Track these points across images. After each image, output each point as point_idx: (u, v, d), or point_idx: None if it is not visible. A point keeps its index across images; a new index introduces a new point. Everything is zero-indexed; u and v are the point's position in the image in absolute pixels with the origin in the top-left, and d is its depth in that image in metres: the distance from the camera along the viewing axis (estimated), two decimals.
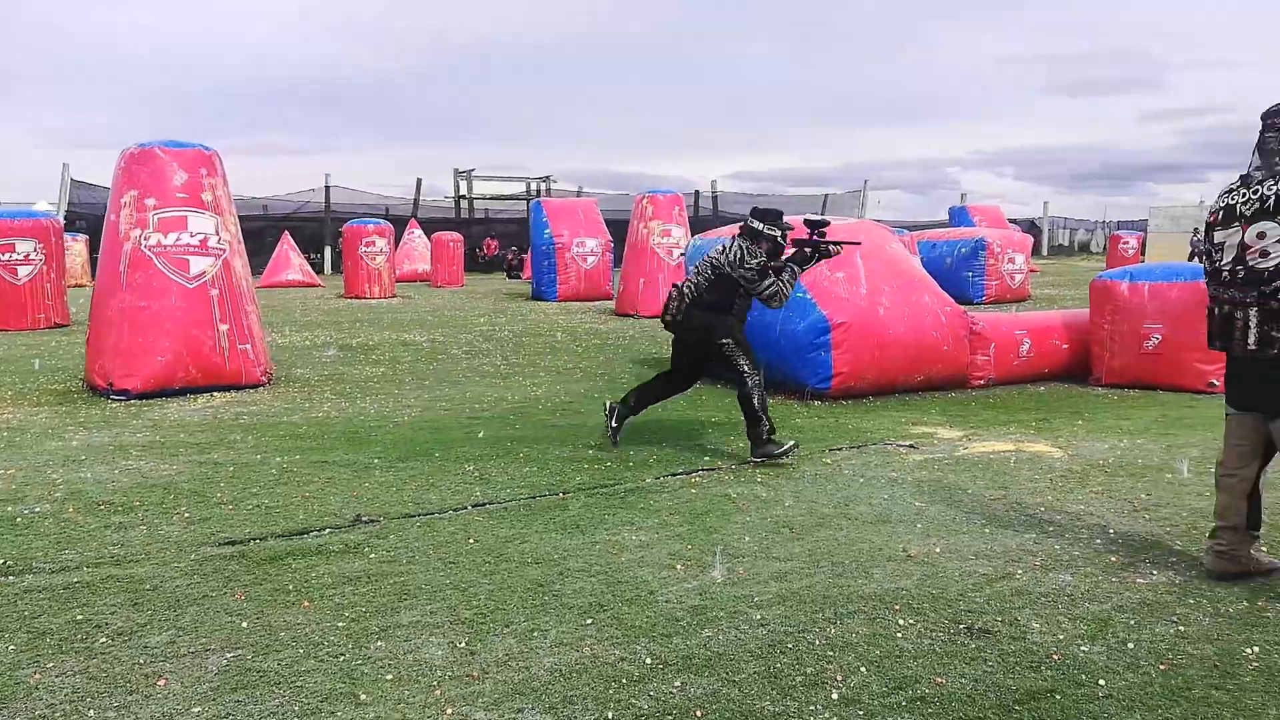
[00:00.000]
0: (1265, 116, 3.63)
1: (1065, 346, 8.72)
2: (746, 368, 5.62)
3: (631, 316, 15.50)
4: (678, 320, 5.80)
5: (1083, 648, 3.12)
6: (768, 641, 3.18)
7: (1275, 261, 3.45)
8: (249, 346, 8.29)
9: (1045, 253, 51.86)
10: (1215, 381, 7.76)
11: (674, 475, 5.37)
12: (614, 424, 5.96)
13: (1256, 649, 3.10)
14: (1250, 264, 3.53)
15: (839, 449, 6.01)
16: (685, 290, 5.79)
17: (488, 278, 30.21)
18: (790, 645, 3.15)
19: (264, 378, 8.44)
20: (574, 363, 10.10)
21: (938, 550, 4.09)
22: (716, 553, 4.01)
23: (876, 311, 7.81)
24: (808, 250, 5.79)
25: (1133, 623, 3.32)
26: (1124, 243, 36.20)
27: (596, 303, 18.65)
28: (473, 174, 39.77)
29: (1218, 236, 3.67)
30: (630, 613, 3.43)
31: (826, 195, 45.57)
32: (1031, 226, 57.34)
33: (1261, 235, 3.49)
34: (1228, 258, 3.62)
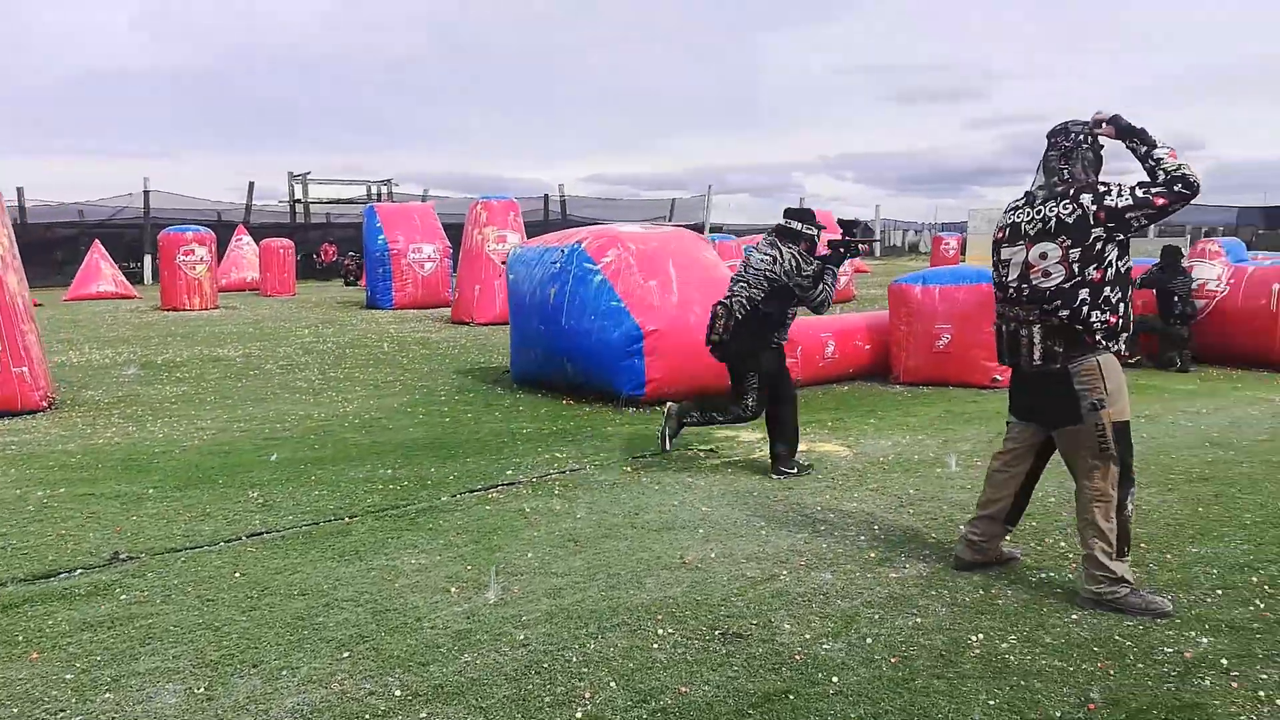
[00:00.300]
0: (1049, 135, 3.70)
1: (867, 347, 9.19)
2: (751, 404, 5.59)
3: (467, 324, 15.27)
4: (724, 340, 5.61)
5: (825, 646, 3.28)
6: (525, 662, 3.18)
7: (1056, 281, 3.57)
8: (25, 369, 7.65)
9: (878, 254, 54.67)
10: (999, 377, 8.36)
11: (472, 492, 5.30)
12: (670, 437, 5.85)
13: (981, 636, 3.34)
14: (1034, 283, 3.64)
15: (642, 456, 6.10)
16: (734, 307, 5.54)
17: (324, 285, 29.07)
18: (547, 665, 3.16)
19: (44, 403, 7.81)
20: (395, 375, 9.84)
21: (713, 555, 4.21)
22: (493, 572, 3.98)
23: (688, 319, 7.96)
24: (842, 249, 5.65)
25: (877, 617, 3.52)
26: (945, 244, 38.55)
27: (435, 311, 18.27)
28: (308, 177, 38.23)
29: (1004, 253, 3.78)
30: (391, 643, 3.36)
31: (674, 199, 46.43)
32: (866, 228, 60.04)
33: (1044, 255, 3.61)
34: (1013, 275, 3.73)
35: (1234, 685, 2.96)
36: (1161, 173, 3.41)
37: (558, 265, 8.41)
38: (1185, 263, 9.77)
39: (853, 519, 4.72)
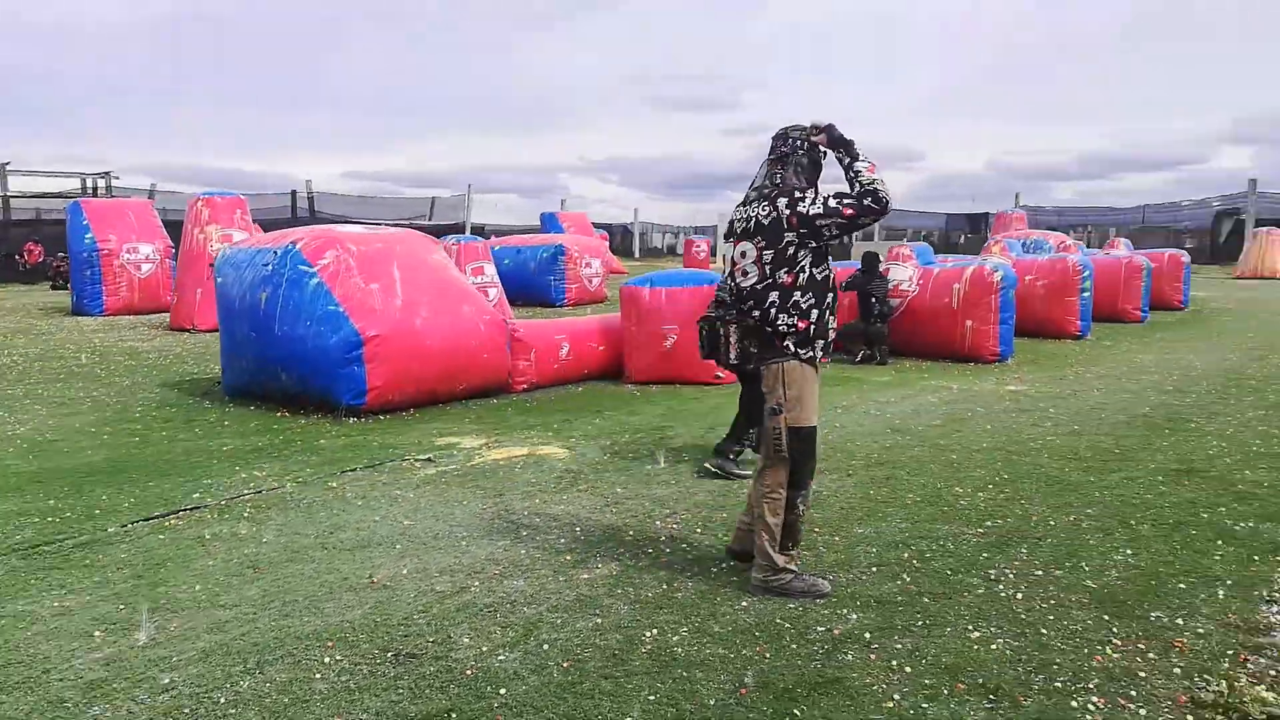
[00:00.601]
0: (772, 139, 3.77)
1: (602, 349, 9.33)
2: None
3: (187, 331, 14.00)
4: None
5: (501, 657, 3.22)
6: (164, 710, 2.88)
7: (752, 281, 3.67)
8: None
9: (638, 256, 56.31)
10: (721, 374, 8.76)
11: (147, 520, 4.80)
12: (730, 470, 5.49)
13: (655, 631, 3.41)
14: (736, 280, 3.74)
15: (353, 470, 5.81)
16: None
17: (28, 290, 25.74)
18: (189, 710, 2.88)
19: None
20: (88, 391, 8.81)
21: (405, 572, 4.04)
22: (146, 611, 3.60)
23: (413, 323, 7.72)
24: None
25: (559, 621, 3.51)
26: (697, 246, 40.31)
27: (154, 316, 16.63)
28: (7, 168, 33.73)
29: (723, 249, 3.93)
30: (8, 702, 2.93)
31: (434, 198, 45.36)
32: (625, 231, 61.92)
33: (744, 255, 3.71)
34: (727, 270, 3.85)
35: (873, 657, 3.20)
36: (857, 185, 3.54)
37: (270, 267, 7.87)
38: (882, 266, 10.74)
39: (557, 522, 4.72)
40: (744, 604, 3.65)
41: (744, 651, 3.24)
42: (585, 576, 3.97)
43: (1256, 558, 4.08)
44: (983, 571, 3.96)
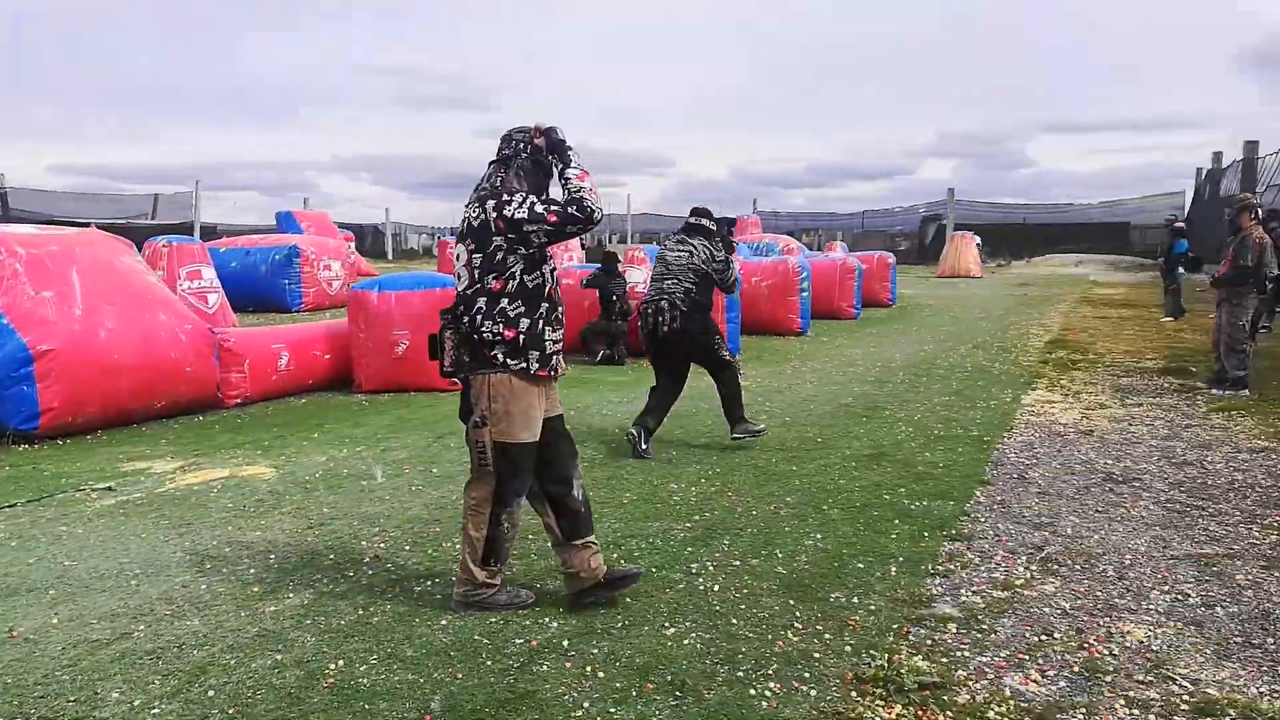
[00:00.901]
0: (500, 139, 3.61)
1: (327, 357, 8.81)
2: (728, 355, 6.32)
3: None
4: (674, 329, 5.98)
5: (155, 710, 2.86)
6: None
7: (464, 285, 3.48)
8: None
9: (391, 257, 54.40)
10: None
11: None
12: (644, 447, 6.00)
13: (342, 662, 3.18)
14: (457, 285, 3.55)
15: (10, 506, 5.05)
16: (674, 301, 5.98)
17: None
18: None
19: None
20: None
21: (55, 622, 3.53)
22: None
23: (97, 334, 6.88)
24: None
25: (233, 663, 3.18)
26: (452, 248, 39.68)
27: None
28: None
29: (456, 250, 3.61)
30: None
31: (157, 195, 41.39)
32: (376, 231, 59.60)
33: (459, 257, 3.53)
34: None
35: (568, 665, 3.15)
36: (566, 193, 3.45)
37: None
38: (620, 267, 10.97)
39: (250, 551, 4.32)
40: (443, 623, 3.49)
41: (435, 675, 3.09)
42: (271, 609, 3.65)
43: (926, 534, 4.47)
44: (685, 566, 4.06)
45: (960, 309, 17.87)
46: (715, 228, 6.33)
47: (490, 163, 3.60)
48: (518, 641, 3.33)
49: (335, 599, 3.74)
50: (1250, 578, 3.91)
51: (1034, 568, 4.04)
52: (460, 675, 3.08)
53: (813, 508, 4.89)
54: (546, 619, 3.52)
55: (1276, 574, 3.94)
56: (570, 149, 3.53)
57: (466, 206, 3.56)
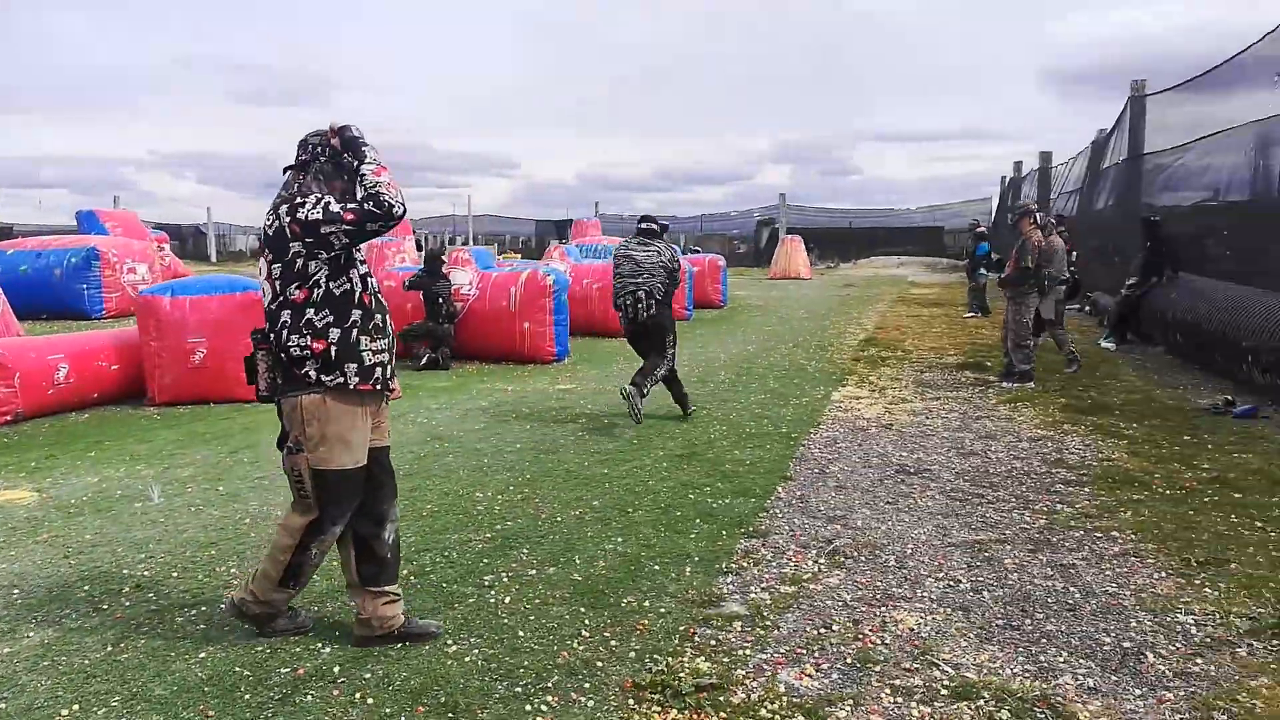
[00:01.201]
0: (298, 144, 3.34)
1: (115, 367, 8.11)
2: (672, 353, 7.25)
3: None
4: (651, 316, 7.08)
5: None
6: None
7: (269, 300, 3.20)
8: None
9: (215, 259, 51.25)
10: None
11: None
12: (638, 405, 6.90)
13: (77, 707, 2.87)
14: (265, 302, 3.25)
15: None
16: (652, 291, 7.05)
17: None
18: None
19: None
20: None
21: None
22: None
23: None
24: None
25: None
26: None
27: None
28: None
29: (259, 265, 3.29)
30: None
31: None
32: (199, 233, 56.10)
33: (260, 271, 3.24)
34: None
35: (336, 693, 2.97)
36: (362, 189, 3.20)
37: None
38: (444, 268, 10.68)
39: None
40: (201, 656, 3.22)
41: (184, 714, 2.83)
42: (5, 650, 3.27)
43: (725, 533, 4.52)
44: (479, 579, 3.93)
45: (787, 310, 18.50)
46: (666, 227, 7.65)
47: (286, 168, 3.34)
48: (283, 671, 3.11)
49: (83, 635, 3.39)
50: (1017, 561, 4.16)
51: (822, 561, 4.15)
52: (212, 713, 2.84)
53: (618, 511, 4.86)
54: (318, 644, 3.32)
55: (1040, 556, 4.21)
56: (366, 145, 3.29)
57: (267, 216, 3.27)
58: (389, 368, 3.34)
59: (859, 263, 39.52)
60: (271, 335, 3.21)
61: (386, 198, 3.18)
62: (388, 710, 2.86)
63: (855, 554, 4.24)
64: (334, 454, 3.20)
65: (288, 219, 3.18)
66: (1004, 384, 8.77)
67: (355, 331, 3.23)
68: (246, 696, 2.94)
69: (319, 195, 3.22)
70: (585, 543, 4.37)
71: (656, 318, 7.12)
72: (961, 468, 5.80)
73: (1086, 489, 5.28)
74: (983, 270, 17.17)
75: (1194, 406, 7.60)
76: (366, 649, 3.26)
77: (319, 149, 3.32)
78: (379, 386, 3.28)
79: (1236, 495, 5.07)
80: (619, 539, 4.42)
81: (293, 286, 3.17)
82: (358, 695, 2.95)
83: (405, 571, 3.98)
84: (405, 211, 3.31)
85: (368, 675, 3.08)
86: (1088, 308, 14.91)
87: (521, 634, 3.39)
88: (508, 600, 3.70)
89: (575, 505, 4.96)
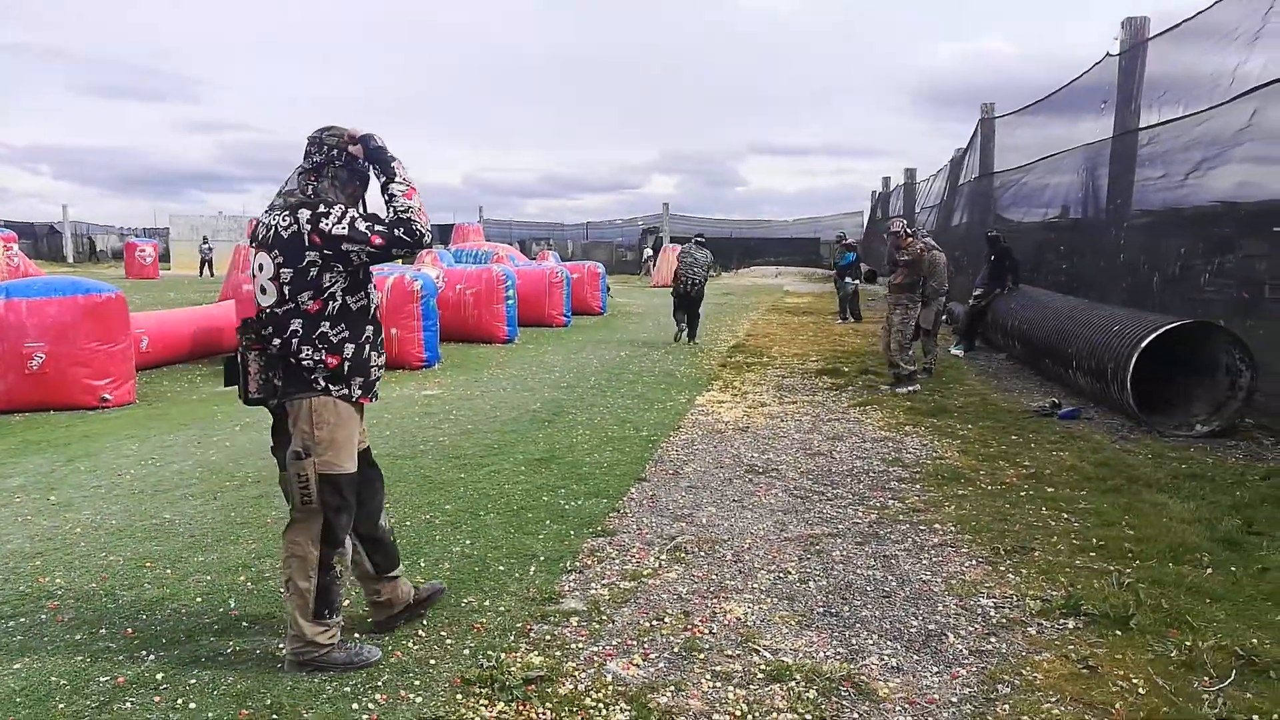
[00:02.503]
0: (308, 140, 3.20)
1: None
2: (700, 309, 13.72)
3: None
4: (698, 290, 13.29)
5: None
6: None
7: (271, 301, 3.07)
8: None
9: (71, 260, 48.34)
10: (108, 396, 7.69)
11: None
12: (688, 336, 13.41)
13: None
14: (258, 299, 3.10)
15: None
16: (699, 278, 13.26)
17: None
18: None
19: None
20: None
21: None
22: None
23: None
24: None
25: None
26: (141, 250, 35.88)
27: None
28: None
29: (256, 260, 3.14)
30: None
31: None
32: (53, 231, 52.74)
33: (262, 268, 3.09)
34: (254, 286, 3.16)
35: (157, 700, 2.93)
36: (392, 211, 3.10)
37: None
38: None
39: None
40: (16, 666, 3.12)
41: None
42: None
43: (573, 532, 4.64)
44: None
45: (664, 316, 18.78)
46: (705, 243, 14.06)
47: (299, 169, 3.20)
48: (102, 680, 3.05)
49: None
50: (844, 553, 4.42)
51: (664, 557, 4.31)
52: None
53: (470, 514, 4.91)
54: (143, 651, 3.26)
55: (867, 549, 4.49)
56: (394, 159, 3.18)
57: (268, 212, 3.16)
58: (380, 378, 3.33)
59: (740, 272, 40.52)
60: (276, 339, 3.07)
61: (418, 226, 3.11)
62: (210, 715, 2.84)
63: (696, 549, 4.42)
64: (340, 457, 3.13)
65: (308, 227, 3.04)
66: (898, 390, 8.93)
67: (368, 347, 3.19)
68: (61, 706, 2.87)
69: (343, 208, 3.10)
70: (432, 546, 4.41)
71: (700, 291, 13.31)
72: (807, 467, 6.10)
73: (918, 485, 5.64)
74: (849, 279, 17.93)
75: (1024, 409, 8.18)
76: (195, 655, 3.22)
77: (335, 152, 3.18)
78: (374, 398, 3.27)
79: (1050, 490, 5.51)
80: (467, 541, 4.47)
81: (305, 295, 3.06)
82: (180, 701, 2.92)
83: (242, 578, 3.95)
84: (432, 240, 3.27)
85: (193, 681, 3.05)
86: (944, 317, 15.79)
87: (358, 636, 3.41)
88: (348, 604, 3.70)
89: (426, 510, 4.98)
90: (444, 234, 45.91)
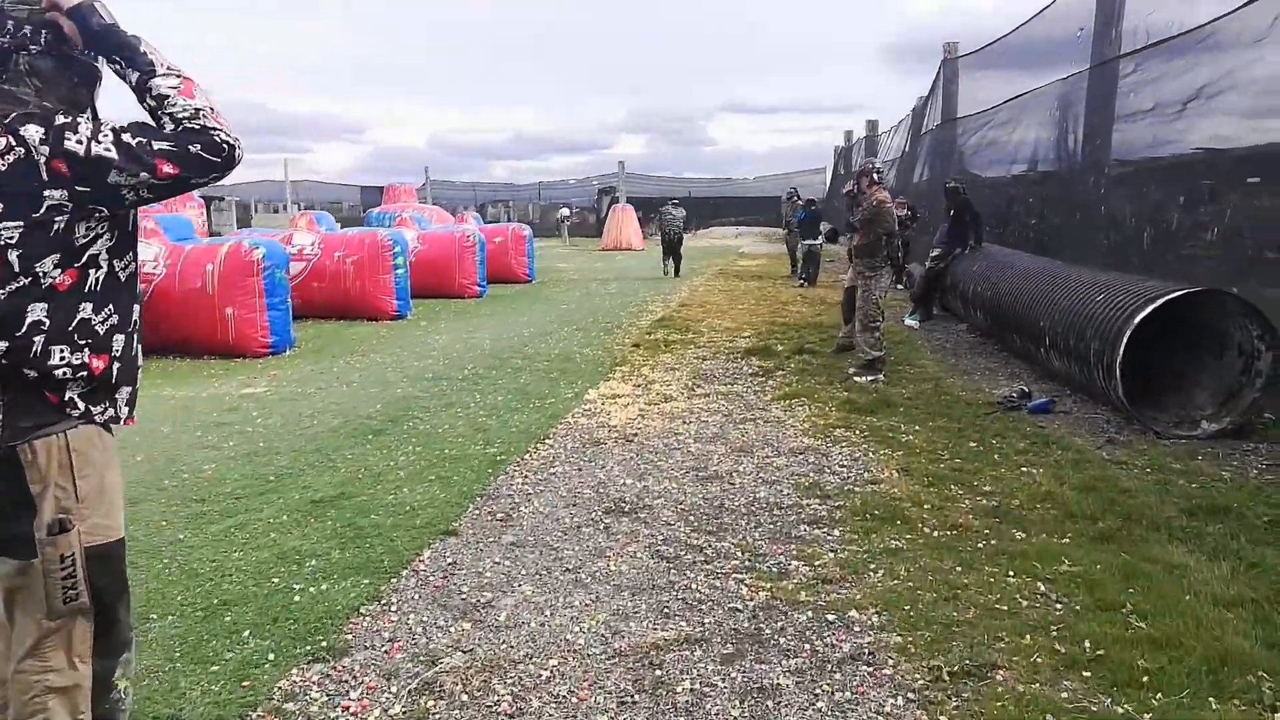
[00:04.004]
0: None
1: None
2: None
3: None
4: (680, 234, 18.33)
5: None
6: None
7: None
8: None
9: None
10: None
11: None
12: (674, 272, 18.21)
13: None
14: None
15: None
16: (679, 232, 18.38)
17: None
18: None
19: None
20: None
21: None
22: None
23: None
24: None
25: None
26: None
27: None
28: None
29: None
30: None
31: None
32: None
33: None
34: None
35: None
36: (169, 120, 1.91)
37: None
38: None
39: None
40: None
41: None
42: None
43: (276, 654, 2.95)
44: None
45: (598, 283, 17.11)
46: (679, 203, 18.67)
47: None
48: None
49: None
50: (698, 682, 2.79)
51: (397, 710, 2.65)
52: None
53: (139, 615, 3.21)
54: None
55: (735, 670, 2.88)
56: (136, 38, 1.97)
57: None
58: None
59: (699, 233, 38.71)
60: (3, 343, 1.83)
61: (220, 135, 1.93)
62: None
63: (457, 689, 2.76)
64: (115, 516, 2.00)
65: (45, 151, 1.83)
66: (856, 378, 7.27)
67: (137, 338, 2.07)
68: None
69: (90, 119, 1.92)
70: None
71: (680, 238, 17.54)
72: (693, 501, 4.46)
73: (836, 531, 4.03)
74: (806, 240, 16.30)
75: (987, 399, 6.60)
76: None
77: (27, 32, 1.91)
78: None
79: (1018, 536, 3.92)
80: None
81: (49, 262, 1.87)
82: None
83: None
84: (243, 153, 1.98)
85: None
86: (903, 283, 14.08)
87: None
88: None
89: None
90: (375, 196, 43.66)
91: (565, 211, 39.08)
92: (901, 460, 5.09)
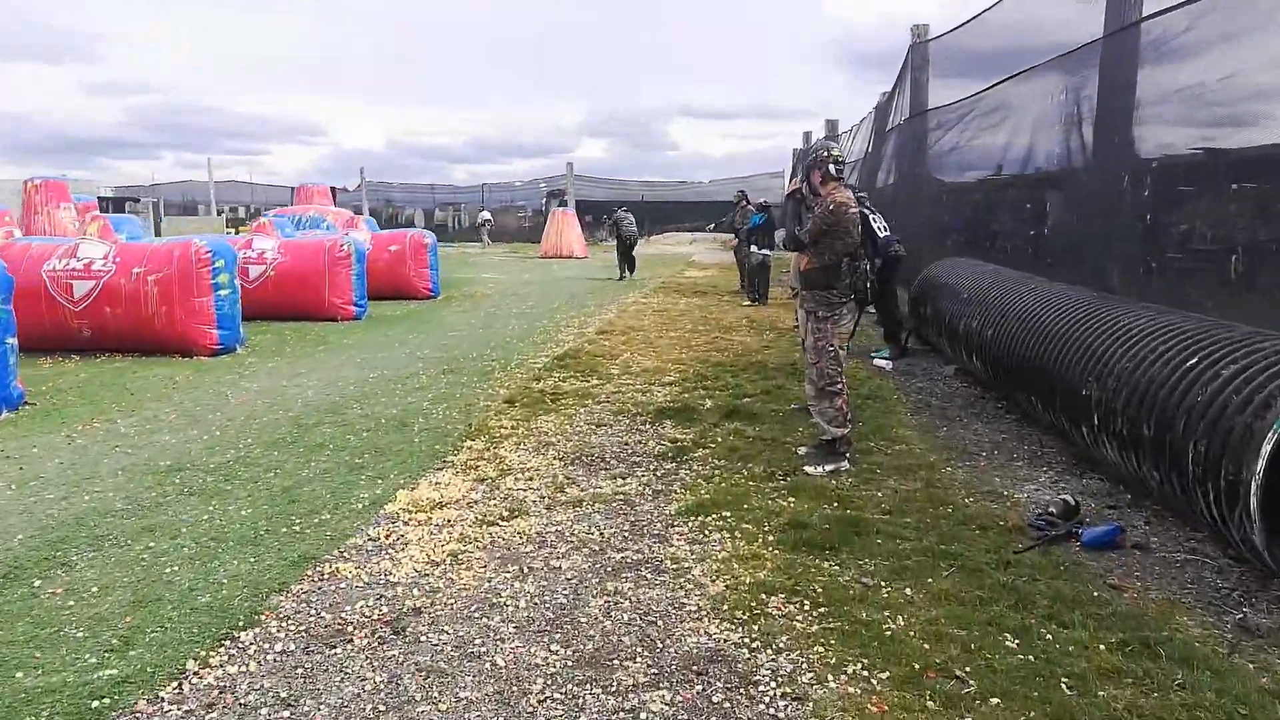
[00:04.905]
0: None
1: None
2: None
3: None
4: (635, 238, 18.93)
5: None
6: None
7: None
8: None
9: None
10: None
11: None
12: (628, 274, 18.75)
13: None
14: None
15: None
16: (634, 228, 18.96)
17: None
18: None
19: None
20: None
21: None
22: None
23: None
24: None
25: None
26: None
27: None
28: None
29: None
30: None
31: None
32: None
33: None
34: None
35: None
36: None
37: None
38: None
39: None
40: None
41: None
42: None
43: None
44: None
45: (513, 300, 14.56)
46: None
47: None
48: None
49: None
50: None
51: None
52: None
53: None
54: None
55: None
56: None
57: None
58: None
59: (651, 239, 36.20)
60: None
61: None
62: None
63: None
64: None
65: None
66: (810, 469, 4.90)
67: None
68: None
69: None
70: None
71: (635, 242, 18.68)
72: None
73: None
74: (756, 248, 13.93)
75: (1009, 513, 4.18)
76: None
77: None
78: None
79: None
80: None
81: None
82: None
83: None
84: None
85: None
86: (906, 341, 11.08)
87: None
88: None
89: None
90: (289, 197, 40.66)
91: (485, 215, 36.85)
92: (893, 694, 2.63)
